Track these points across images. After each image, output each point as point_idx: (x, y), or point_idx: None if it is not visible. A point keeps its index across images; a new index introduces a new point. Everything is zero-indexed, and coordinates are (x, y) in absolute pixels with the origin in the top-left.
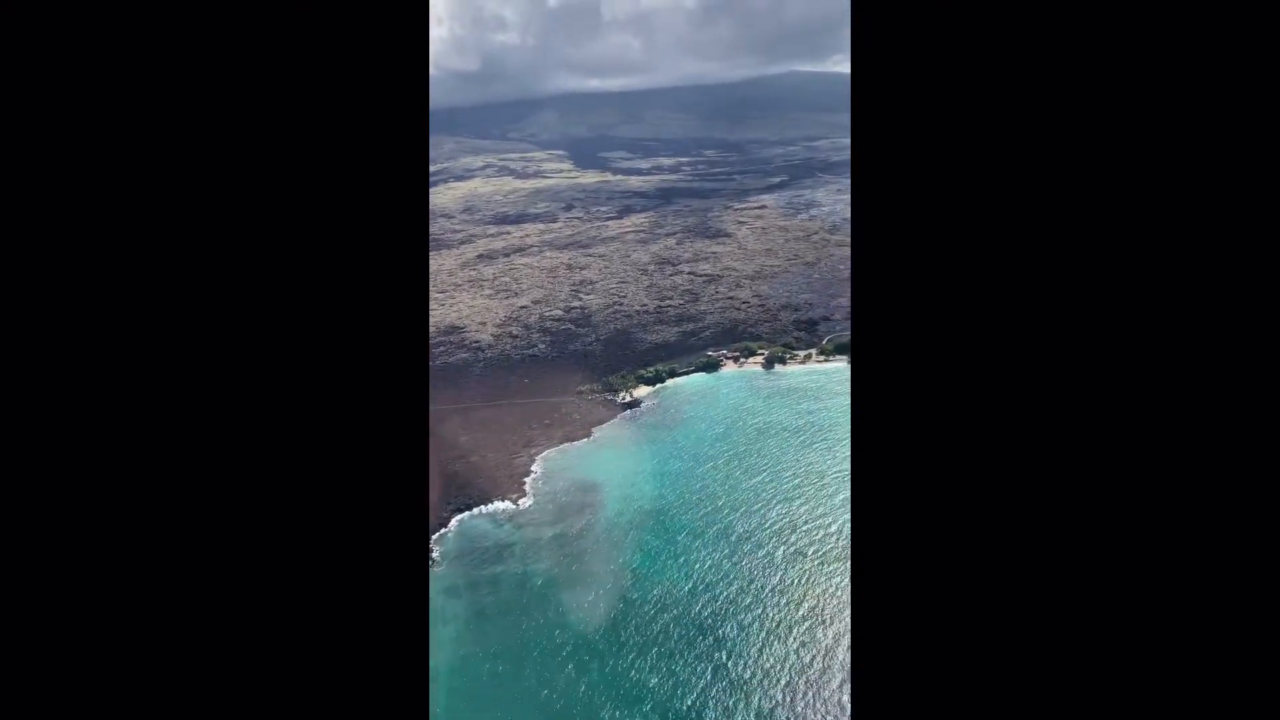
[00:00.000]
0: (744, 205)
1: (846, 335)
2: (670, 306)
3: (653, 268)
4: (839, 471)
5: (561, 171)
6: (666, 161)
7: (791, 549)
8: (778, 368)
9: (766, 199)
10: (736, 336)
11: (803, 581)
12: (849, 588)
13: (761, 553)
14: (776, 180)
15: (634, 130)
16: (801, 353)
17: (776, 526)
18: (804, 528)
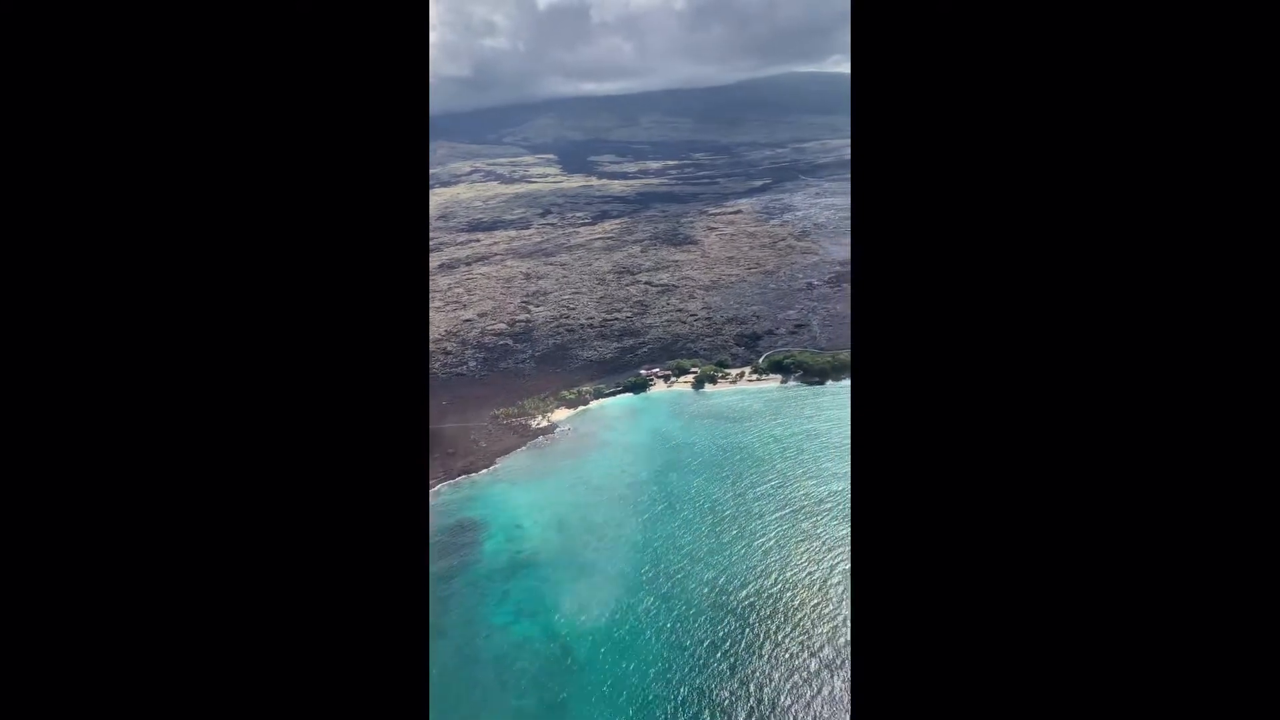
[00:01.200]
0: (719, 210)
1: (785, 350)
2: (617, 320)
3: (611, 277)
4: (733, 509)
5: (547, 176)
6: (654, 165)
7: (661, 597)
8: (707, 388)
9: (743, 203)
10: (675, 352)
11: (660, 637)
12: (707, 643)
13: (629, 602)
14: (759, 184)
15: (628, 134)
16: (734, 371)
17: (651, 573)
18: (678, 574)
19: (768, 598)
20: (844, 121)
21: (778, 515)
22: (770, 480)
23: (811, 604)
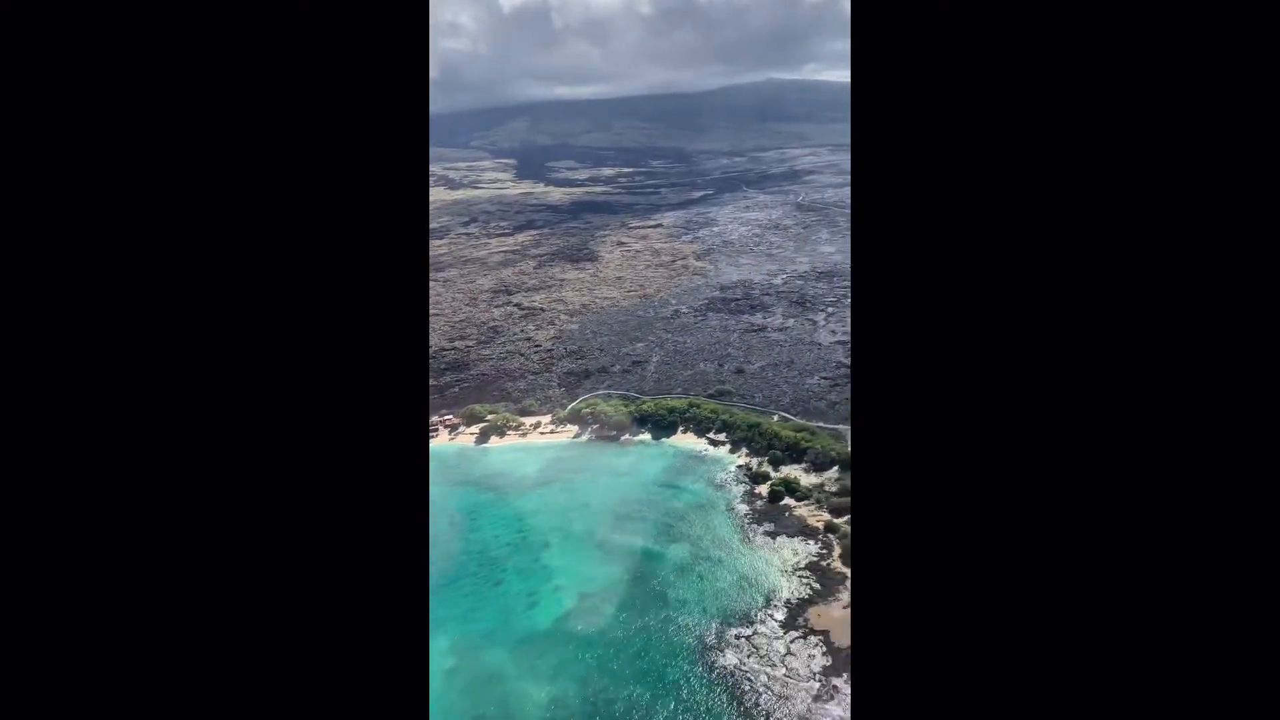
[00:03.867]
0: (641, 224)
1: (604, 394)
2: (453, 350)
3: (485, 297)
4: None
5: (496, 183)
6: (607, 172)
7: None
8: (493, 441)
9: (669, 216)
10: (486, 394)
11: None
12: None
13: None
14: (698, 195)
15: (597, 139)
16: (529, 421)
17: None
18: None
19: None
20: (812, 130)
21: (468, 646)
22: (498, 578)
23: None
